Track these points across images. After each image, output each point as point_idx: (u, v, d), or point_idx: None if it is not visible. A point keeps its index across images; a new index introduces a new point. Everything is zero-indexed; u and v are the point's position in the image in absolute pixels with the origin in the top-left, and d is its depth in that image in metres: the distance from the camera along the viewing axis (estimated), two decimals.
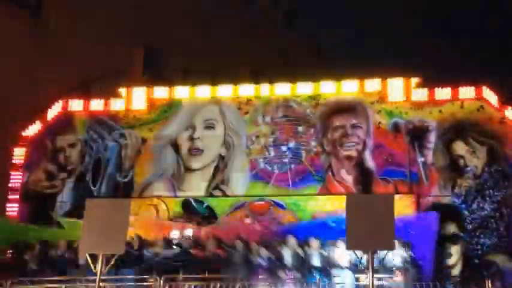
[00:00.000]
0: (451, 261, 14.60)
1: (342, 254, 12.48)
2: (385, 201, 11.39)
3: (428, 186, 15.56)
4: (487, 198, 15.06)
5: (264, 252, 12.91)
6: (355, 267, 12.22)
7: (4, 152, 17.59)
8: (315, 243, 12.92)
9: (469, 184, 15.30)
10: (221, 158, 16.92)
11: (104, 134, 17.54)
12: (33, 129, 17.71)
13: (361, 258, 10.24)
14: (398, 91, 16.44)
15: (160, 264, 12.73)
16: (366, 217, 10.46)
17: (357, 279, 12.43)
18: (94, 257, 10.60)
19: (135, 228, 13.92)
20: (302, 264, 12.72)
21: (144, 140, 17.35)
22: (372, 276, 10.23)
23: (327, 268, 12.61)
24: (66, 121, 17.80)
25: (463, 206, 15.20)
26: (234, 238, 13.59)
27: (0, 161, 17.78)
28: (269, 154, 16.71)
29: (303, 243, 13.09)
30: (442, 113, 16.00)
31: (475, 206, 15.10)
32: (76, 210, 15.34)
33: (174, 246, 13.54)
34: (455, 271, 14.54)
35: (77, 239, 11.99)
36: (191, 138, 17.16)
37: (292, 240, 13.06)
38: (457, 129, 15.80)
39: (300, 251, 12.90)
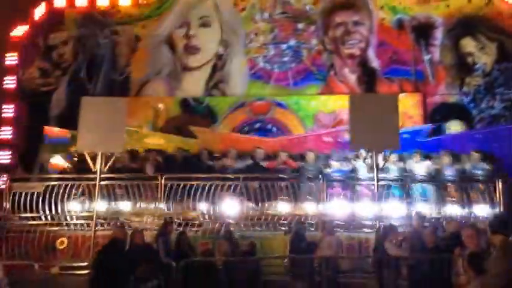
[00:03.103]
0: None
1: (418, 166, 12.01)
2: (389, 101, 11.18)
3: (435, 84, 15.03)
4: (497, 97, 14.54)
5: (336, 164, 12.32)
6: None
7: None
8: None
9: (478, 82, 14.75)
10: (219, 56, 16.28)
11: (95, 31, 16.80)
12: (22, 29, 16.90)
13: None
14: None
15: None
16: (369, 117, 10.23)
17: None
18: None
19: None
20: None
21: (138, 38, 16.68)
22: (377, 177, 10.21)
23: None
24: (55, 19, 17.04)
25: (472, 104, 14.71)
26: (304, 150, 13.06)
27: None
28: (268, 53, 16.05)
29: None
30: (448, 8, 15.21)
31: (484, 104, 14.61)
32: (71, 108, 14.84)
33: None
34: None
35: None
36: (187, 36, 16.43)
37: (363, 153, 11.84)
38: (465, 24, 15.04)
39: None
